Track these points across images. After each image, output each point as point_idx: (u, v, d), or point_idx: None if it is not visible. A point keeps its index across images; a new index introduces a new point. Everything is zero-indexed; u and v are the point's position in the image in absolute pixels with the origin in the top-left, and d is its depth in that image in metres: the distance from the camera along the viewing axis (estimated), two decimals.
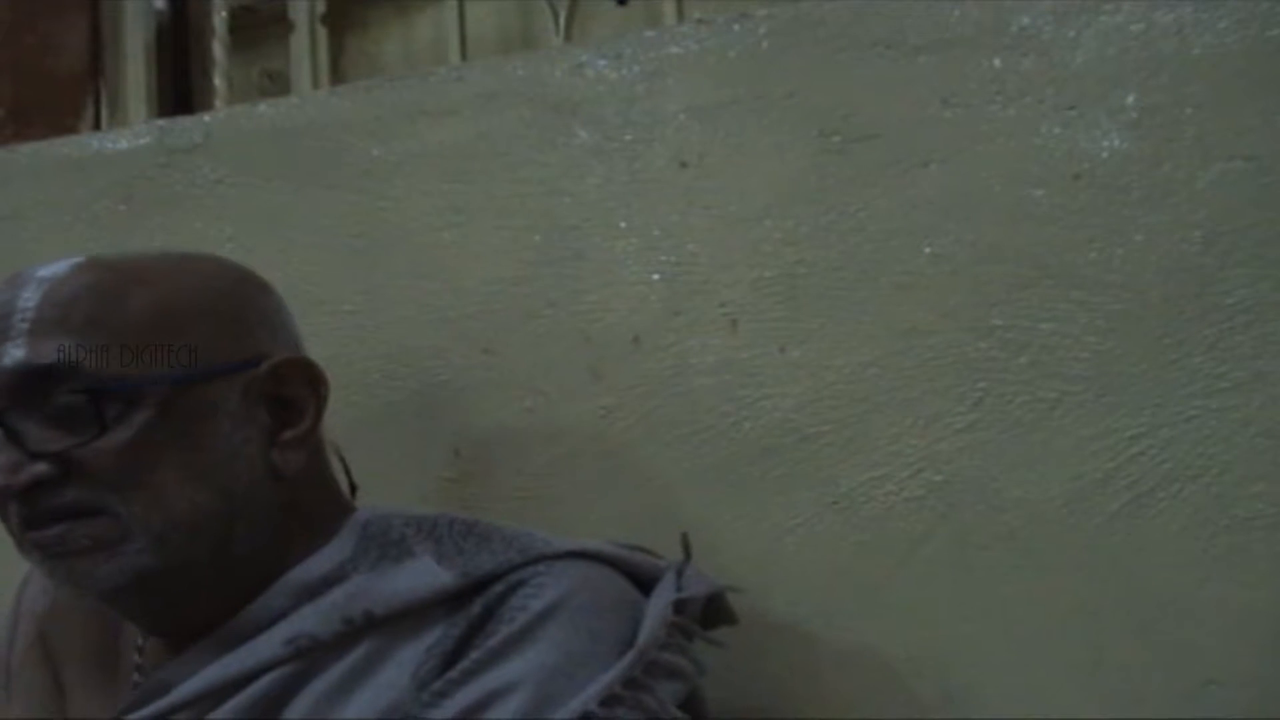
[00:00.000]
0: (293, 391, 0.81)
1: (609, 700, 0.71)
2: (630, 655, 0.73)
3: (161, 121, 1.21)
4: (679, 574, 0.80)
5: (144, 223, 1.16)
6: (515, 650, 0.73)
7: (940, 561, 0.88)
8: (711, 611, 0.82)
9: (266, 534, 0.79)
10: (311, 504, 0.82)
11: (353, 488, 0.89)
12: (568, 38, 1.80)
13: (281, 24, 2.01)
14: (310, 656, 0.76)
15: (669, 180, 0.96)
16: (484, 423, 0.99)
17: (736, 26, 0.95)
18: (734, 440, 0.93)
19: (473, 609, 0.75)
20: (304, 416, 0.81)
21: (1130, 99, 0.84)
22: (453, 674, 0.73)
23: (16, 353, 0.74)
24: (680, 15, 1.68)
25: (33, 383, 0.74)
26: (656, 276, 0.96)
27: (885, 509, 0.89)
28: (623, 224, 0.98)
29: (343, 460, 0.88)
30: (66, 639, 0.89)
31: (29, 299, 0.76)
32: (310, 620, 0.77)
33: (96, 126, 1.93)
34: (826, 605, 0.89)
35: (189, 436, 0.76)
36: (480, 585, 0.76)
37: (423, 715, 0.72)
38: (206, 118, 1.18)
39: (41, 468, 0.74)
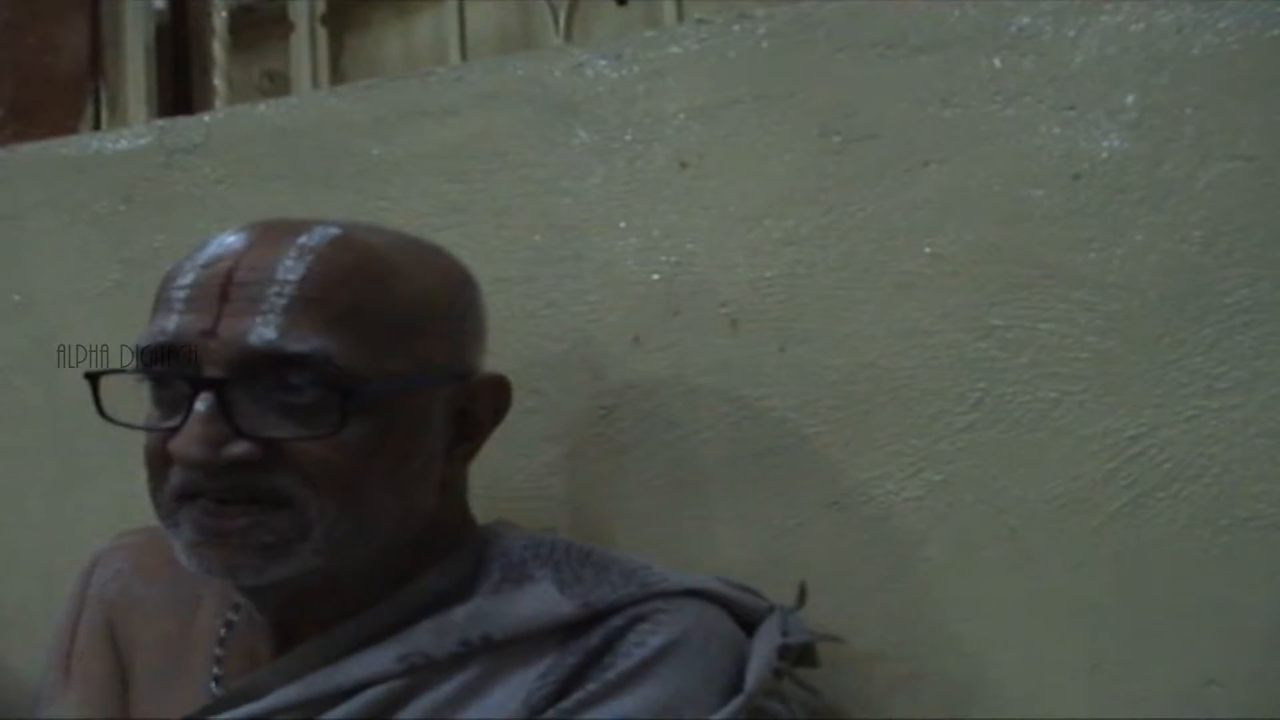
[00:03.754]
0: (479, 408, 0.80)
1: None
2: (738, 700, 0.74)
3: (161, 121, 1.21)
4: (784, 619, 0.81)
5: (144, 223, 1.16)
6: (629, 686, 0.73)
7: (940, 561, 0.88)
8: (800, 654, 0.82)
9: (411, 543, 0.79)
10: (445, 515, 0.81)
11: None
12: (568, 38, 1.80)
13: (281, 24, 2.01)
14: (420, 674, 0.76)
15: (669, 180, 0.96)
16: None
17: (736, 26, 0.95)
18: (734, 440, 0.93)
19: (590, 640, 0.75)
20: (479, 434, 0.81)
21: (1130, 99, 0.84)
22: (566, 704, 0.73)
23: (267, 332, 0.70)
24: (680, 15, 1.68)
25: (272, 365, 0.71)
26: (656, 276, 0.96)
27: (885, 509, 0.89)
28: (623, 224, 0.98)
29: None
30: (136, 629, 0.88)
31: (291, 270, 0.72)
32: (426, 638, 0.76)
33: (96, 126, 1.93)
34: (826, 605, 0.89)
35: (402, 444, 0.74)
36: (597, 615, 0.76)
37: None
38: (206, 118, 1.18)
39: (246, 448, 0.70)
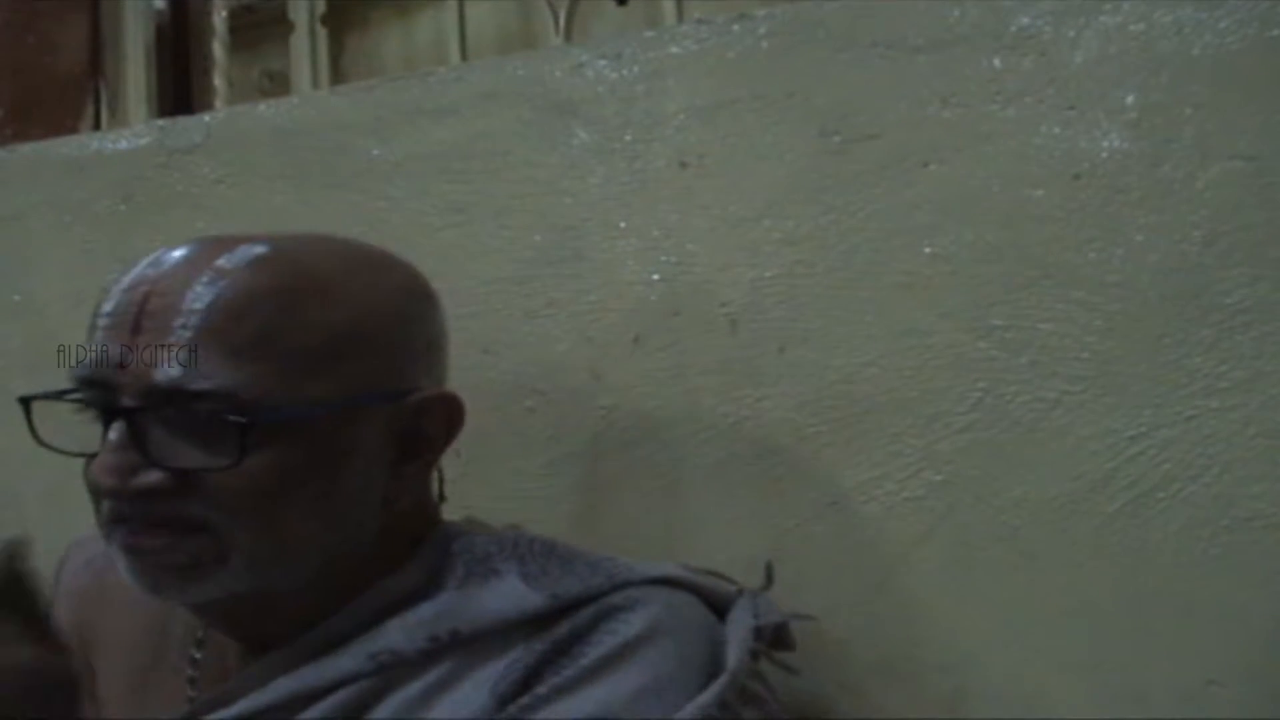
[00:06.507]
0: (429, 426, 0.78)
1: None
2: (724, 679, 0.74)
3: (161, 121, 1.21)
4: (754, 601, 0.81)
5: (144, 223, 1.16)
6: (605, 672, 0.73)
7: (940, 561, 0.88)
8: (775, 636, 0.82)
9: (361, 556, 0.78)
10: (404, 522, 0.80)
11: (440, 498, 0.86)
12: (568, 38, 1.80)
13: (281, 24, 2.01)
14: (391, 672, 0.76)
15: (669, 180, 0.96)
16: (484, 423, 0.99)
17: (736, 26, 0.95)
18: (734, 440, 0.93)
19: (558, 631, 0.75)
20: (430, 451, 0.79)
21: (1130, 99, 0.84)
22: (541, 690, 0.73)
23: (171, 370, 0.70)
24: (680, 15, 1.68)
25: (177, 399, 0.71)
26: (656, 276, 0.96)
27: (885, 509, 0.89)
28: (623, 224, 0.98)
29: (440, 471, 0.86)
30: (106, 625, 0.87)
31: (199, 298, 0.71)
32: (395, 636, 0.76)
33: (96, 126, 1.93)
34: (826, 605, 0.89)
35: (323, 469, 0.73)
36: (565, 608, 0.76)
37: None
38: (206, 118, 1.18)
39: (157, 477, 0.71)
